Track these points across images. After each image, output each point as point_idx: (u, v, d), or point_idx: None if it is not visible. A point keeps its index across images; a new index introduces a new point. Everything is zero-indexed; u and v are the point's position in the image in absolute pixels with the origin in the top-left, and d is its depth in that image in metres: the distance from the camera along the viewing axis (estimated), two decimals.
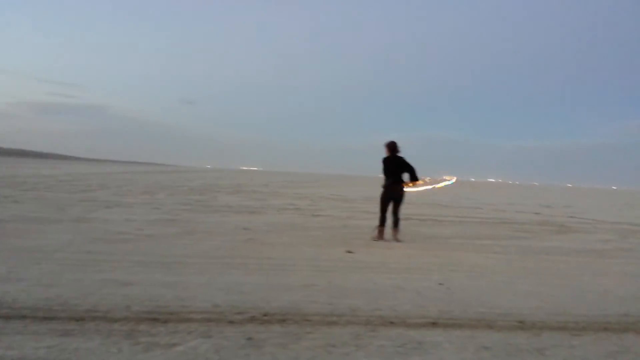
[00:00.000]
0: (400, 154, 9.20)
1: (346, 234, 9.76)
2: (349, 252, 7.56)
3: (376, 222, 9.21)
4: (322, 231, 10.00)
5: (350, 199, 20.76)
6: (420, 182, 9.32)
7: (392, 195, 9.11)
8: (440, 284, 5.65)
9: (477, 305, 4.77)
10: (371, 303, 4.66)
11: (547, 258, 7.97)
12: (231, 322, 3.89)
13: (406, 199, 9.15)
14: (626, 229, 13.91)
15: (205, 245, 7.57)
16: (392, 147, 9.20)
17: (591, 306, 4.99)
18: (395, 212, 9.13)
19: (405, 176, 9.21)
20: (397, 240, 8.90)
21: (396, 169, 9.11)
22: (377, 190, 9.21)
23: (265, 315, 4.11)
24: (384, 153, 9.28)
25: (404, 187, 9.15)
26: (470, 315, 4.42)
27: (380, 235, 9.06)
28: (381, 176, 9.31)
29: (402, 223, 9.15)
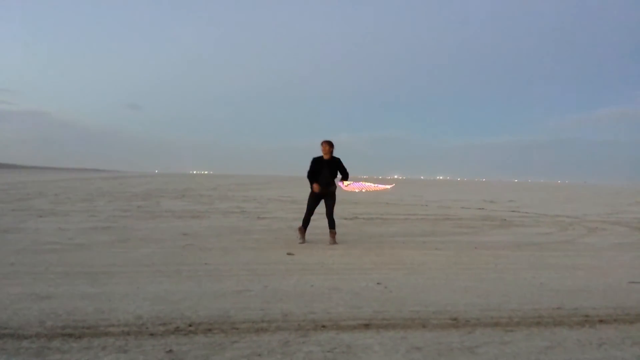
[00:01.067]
0: (335, 155, 8.76)
1: (290, 235, 9.58)
2: (290, 254, 7.41)
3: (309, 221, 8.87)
4: (264, 234, 9.78)
5: (299, 200, 20.56)
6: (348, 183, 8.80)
7: (322, 195, 8.71)
8: (378, 283, 5.56)
9: (412, 304, 4.71)
10: (305, 306, 4.52)
11: (487, 253, 8.05)
12: (152, 335, 3.66)
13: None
14: (566, 221, 14.32)
15: (138, 252, 7.22)
16: (330, 147, 8.68)
17: (525, 300, 5.00)
18: (330, 214, 8.77)
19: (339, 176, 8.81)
20: (334, 243, 8.56)
21: (332, 171, 8.66)
22: None
23: (190, 325, 3.89)
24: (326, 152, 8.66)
25: (336, 186, 8.75)
26: (404, 315, 4.34)
27: (303, 237, 8.77)
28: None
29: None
